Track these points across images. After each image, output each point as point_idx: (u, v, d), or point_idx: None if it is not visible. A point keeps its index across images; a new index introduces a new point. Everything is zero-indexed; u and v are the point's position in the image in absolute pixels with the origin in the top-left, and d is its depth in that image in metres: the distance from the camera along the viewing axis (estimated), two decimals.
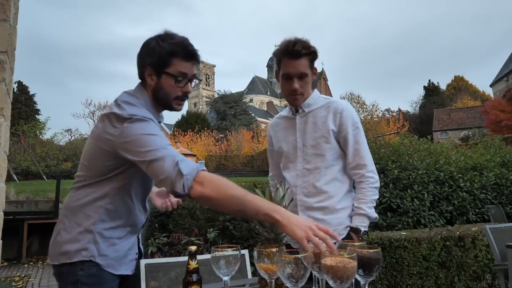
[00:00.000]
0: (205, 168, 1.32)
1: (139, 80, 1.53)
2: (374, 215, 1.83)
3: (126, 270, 1.51)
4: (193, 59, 1.47)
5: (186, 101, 1.68)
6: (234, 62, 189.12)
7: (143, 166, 1.31)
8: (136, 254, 1.60)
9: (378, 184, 1.87)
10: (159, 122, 1.51)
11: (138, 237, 1.62)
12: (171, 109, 1.52)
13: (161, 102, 1.50)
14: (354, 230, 1.80)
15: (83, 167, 1.47)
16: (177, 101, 1.50)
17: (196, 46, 1.48)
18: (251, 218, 1.27)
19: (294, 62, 1.78)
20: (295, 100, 1.88)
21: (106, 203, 1.43)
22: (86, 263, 1.40)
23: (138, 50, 1.51)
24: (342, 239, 1.73)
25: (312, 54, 1.81)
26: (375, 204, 1.85)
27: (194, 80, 1.53)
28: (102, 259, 1.42)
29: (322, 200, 1.84)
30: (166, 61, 1.43)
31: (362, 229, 1.79)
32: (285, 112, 2.04)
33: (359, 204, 1.82)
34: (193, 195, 1.26)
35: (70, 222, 1.44)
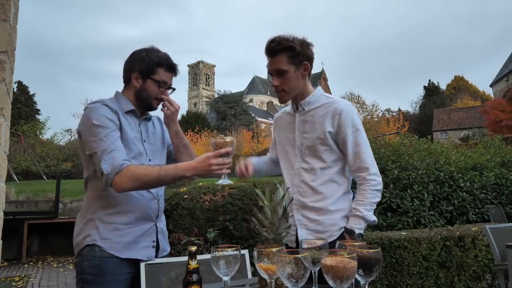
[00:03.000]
0: (125, 163, 1.53)
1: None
2: (372, 218, 1.78)
3: (137, 255, 1.65)
4: (173, 72, 1.80)
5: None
6: (232, 62, 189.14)
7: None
8: (154, 242, 1.72)
9: (380, 187, 1.82)
10: (138, 116, 1.76)
11: (156, 225, 1.75)
12: (151, 107, 1.80)
13: (143, 101, 1.76)
14: (348, 232, 1.76)
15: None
16: (156, 101, 1.78)
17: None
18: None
19: (272, 59, 1.83)
20: (280, 98, 1.89)
21: (100, 191, 1.63)
22: (91, 249, 1.59)
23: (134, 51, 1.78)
24: (335, 240, 1.69)
25: (289, 49, 1.78)
26: (374, 207, 1.80)
27: (171, 88, 1.82)
28: (104, 242, 1.60)
29: (316, 201, 1.82)
30: (153, 69, 1.73)
31: (357, 231, 1.74)
32: (288, 107, 2.03)
33: (357, 206, 1.78)
34: (117, 190, 1.54)
35: (79, 218, 1.68)
